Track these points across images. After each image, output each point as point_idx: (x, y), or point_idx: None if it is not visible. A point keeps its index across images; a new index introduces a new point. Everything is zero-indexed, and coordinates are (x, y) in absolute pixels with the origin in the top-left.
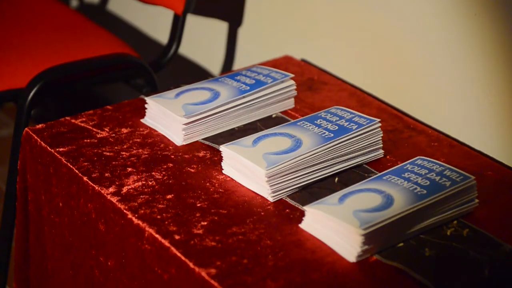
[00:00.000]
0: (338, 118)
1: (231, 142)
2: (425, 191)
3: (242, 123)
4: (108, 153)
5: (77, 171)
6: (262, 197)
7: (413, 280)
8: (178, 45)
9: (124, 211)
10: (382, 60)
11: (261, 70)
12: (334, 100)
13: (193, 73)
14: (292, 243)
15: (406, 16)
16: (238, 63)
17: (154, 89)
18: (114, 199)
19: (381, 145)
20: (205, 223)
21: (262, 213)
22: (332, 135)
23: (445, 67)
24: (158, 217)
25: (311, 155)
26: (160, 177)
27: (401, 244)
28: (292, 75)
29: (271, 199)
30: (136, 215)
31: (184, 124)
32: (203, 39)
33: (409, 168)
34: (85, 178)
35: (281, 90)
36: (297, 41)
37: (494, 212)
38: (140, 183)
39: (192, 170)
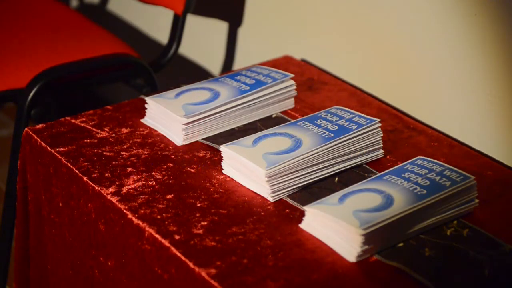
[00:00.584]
0: (338, 118)
1: (231, 142)
2: (425, 191)
3: (242, 123)
4: (108, 153)
5: (77, 171)
6: (262, 197)
7: (413, 280)
8: (178, 45)
9: (124, 211)
10: (382, 60)
11: (261, 70)
12: (334, 100)
13: (193, 73)
14: (292, 243)
15: (406, 16)
16: (238, 63)
17: (154, 89)
18: (114, 199)
19: (381, 145)
20: (205, 223)
21: (262, 213)
22: (332, 135)
23: (445, 67)
24: (158, 217)
25: (311, 155)
26: (160, 177)
27: (401, 244)
28: (292, 75)
29: (271, 199)
30: (136, 215)
31: (184, 124)
32: (203, 39)
33: (409, 168)
34: (85, 178)
35: (281, 90)
36: (297, 41)
37: (494, 212)
38: (140, 183)
39: (192, 170)
